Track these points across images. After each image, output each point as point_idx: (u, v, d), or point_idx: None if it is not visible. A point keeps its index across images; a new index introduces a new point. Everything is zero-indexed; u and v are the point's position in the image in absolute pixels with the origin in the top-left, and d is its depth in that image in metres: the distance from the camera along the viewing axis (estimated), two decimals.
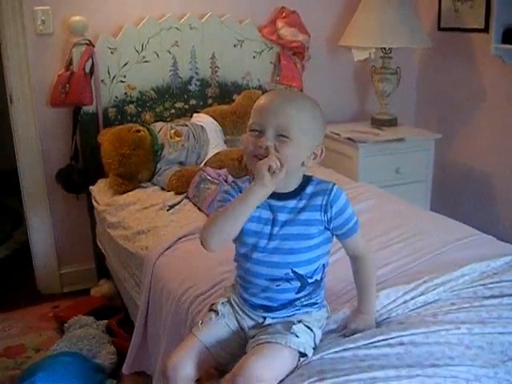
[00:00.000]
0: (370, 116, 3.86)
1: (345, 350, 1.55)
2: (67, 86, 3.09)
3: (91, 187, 3.18)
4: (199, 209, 2.69)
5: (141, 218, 2.68)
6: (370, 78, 3.80)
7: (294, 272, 1.56)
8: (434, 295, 1.82)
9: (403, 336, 1.59)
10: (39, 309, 3.28)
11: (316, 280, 1.60)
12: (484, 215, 3.69)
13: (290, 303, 1.59)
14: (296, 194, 1.57)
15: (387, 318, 1.73)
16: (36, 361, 2.63)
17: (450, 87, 3.91)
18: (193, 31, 3.33)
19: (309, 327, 1.57)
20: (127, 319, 2.85)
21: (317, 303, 1.64)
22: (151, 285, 2.28)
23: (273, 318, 1.60)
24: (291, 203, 1.56)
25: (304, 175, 1.60)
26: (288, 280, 1.57)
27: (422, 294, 1.82)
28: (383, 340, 1.58)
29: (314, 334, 1.57)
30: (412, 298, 1.80)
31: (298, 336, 1.52)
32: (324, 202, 1.54)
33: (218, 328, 1.62)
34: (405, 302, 1.78)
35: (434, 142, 3.62)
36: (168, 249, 2.34)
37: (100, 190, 3.10)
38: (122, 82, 3.24)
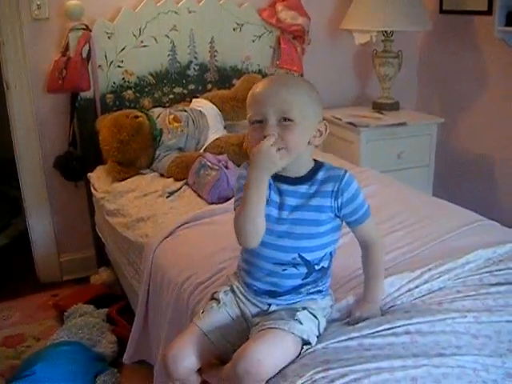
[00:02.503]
0: (371, 100, 3.83)
1: (349, 339, 1.54)
2: (64, 71, 3.05)
3: (90, 174, 3.15)
4: (199, 195, 2.67)
5: (140, 206, 2.65)
6: (371, 62, 3.75)
7: (301, 257, 1.55)
8: (438, 283, 1.80)
9: (409, 325, 1.57)
10: (39, 297, 3.26)
11: (323, 267, 1.59)
12: (487, 200, 3.66)
13: (295, 289, 1.58)
14: (307, 179, 1.56)
15: (392, 307, 1.70)
16: (36, 350, 2.63)
17: (452, 71, 3.87)
18: (191, 15, 3.28)
19: (314, 314, 1.55)
20: (127, 307, 2.83)
21: (322, 291, 1.63)
22: (151, 273, 2.26)
23: (277, 304, 1.59)
24: (302, 188, 1.55)
25: (315, 161, 1.59)
26: (295, 265, 1.56)
27: (426, 281, 1.79)
28: (388, 329, 1.56)
29: (319, 322, 1.56)
30: (416, 286, 1.78)
31: (301, 323, 1.50)
32: (335, 189, 1.53)
33: (219, 317, 1.61)
34: (409, 290, 1.76)
35: (437, 127, 3.59)
36: (168, 236, 2.31)
37: (99, 177, 3.08)
38: (119, 67, 3.20)
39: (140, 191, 2.78)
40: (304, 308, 1.56)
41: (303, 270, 1.56)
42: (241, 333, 1.60)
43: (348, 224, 1.61)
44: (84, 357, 2.47)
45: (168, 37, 3.26)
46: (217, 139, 3.02)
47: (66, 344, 2.55)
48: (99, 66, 3.15)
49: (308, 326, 1.52)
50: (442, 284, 1.80)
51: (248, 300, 1.62)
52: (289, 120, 1.46)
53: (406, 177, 3.33)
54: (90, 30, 3.07)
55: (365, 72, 3.96)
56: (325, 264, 1.60)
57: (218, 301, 1.63)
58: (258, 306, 1.61)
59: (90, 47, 3.07)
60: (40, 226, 3.38)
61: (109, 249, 3.03)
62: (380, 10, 3.40)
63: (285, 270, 1.56)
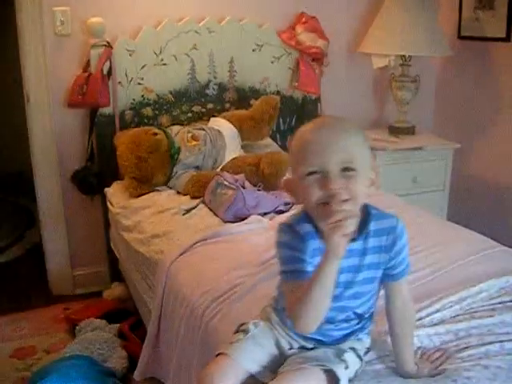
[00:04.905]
0: (387, 123, 3.83)
1: None
2: (84, 87, 3.08)
3: (106, 189, 3.17)
4: (215, 214, 2.67)
5: (156, 222, 2.66)
6: (388, 86, 3.77)
7: (354, 313, 1.47)
8: (450, 312, 1.78)
9: None
10: (51, 310, 3.26)
11: (371, 312, 1.52)
12: (502, 226, 3.63)
13: (345, 337, 1.49)
14: (360, 233, 1.39)
15: None
16: (47, 363, 2.62)
17: (469, 96, 3.87)
18: (211, 35, 3.32)
19: (359, 356, 1.48)
20: (139, 323, 2.83)
21: (368, 328, 1.56)
22: (165, 289, 2.26)
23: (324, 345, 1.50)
24: (357, 245, 1.39)
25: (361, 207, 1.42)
26: (348, 321, 1.47)
27: (437, 311, 1.78)
28: None
29: (361, 364, 1.49)
30: (427, 315, 1.75)
31: (348, 366, 1.41)
32: (389, 242, 1.41)
33: (250, 346, 1.47)
34: (420, 319, 1.74)
35: (453, 152, 3.58)
36: (183, 253, 2.32)
37: (115, 193, 3.09)
38: (139, 84, 3.23)
39: (156, 208, 2.79)
40: (351, 348, 1.47)
41: (355, 322, 1.48)
42: (274, 360, 1.49)
43: (386, 279, 1.48)
44: (95, 371, 2.46)
45: (188, 56, 3.29)
46: (234, 159, 3.03)
47: (76, 358, 2.55)
48: (119, 82, 3.18)
49: (352, 371, 1.44)
50: (453, 313, 1.78)
51: (290, 337, 1.50)
52: (352, 169, 1.28)
53: (421, 201, 3.32)
54: (112, 47, 3.11)
55: (382, 95, 3.97)
56: (373, 309, 1.52)
57: (245, 332, 1.50)
58: (300, 343, 1.50)
59: (110, 64, 3.11)
60: (54, 238, 3.39)
61: (122, 264, 3.04)
62: (398, 35, 3.42)
63: (337, 325, 1.46)
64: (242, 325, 1.54)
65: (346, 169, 1.28)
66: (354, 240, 1.35)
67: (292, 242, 1.38)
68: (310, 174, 1.30)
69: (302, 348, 1.50)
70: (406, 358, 1.51)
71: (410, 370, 1.51)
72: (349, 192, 1.27)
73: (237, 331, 1.53)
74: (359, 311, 1.46)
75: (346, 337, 1.49)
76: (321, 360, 1.41)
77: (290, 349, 1.50)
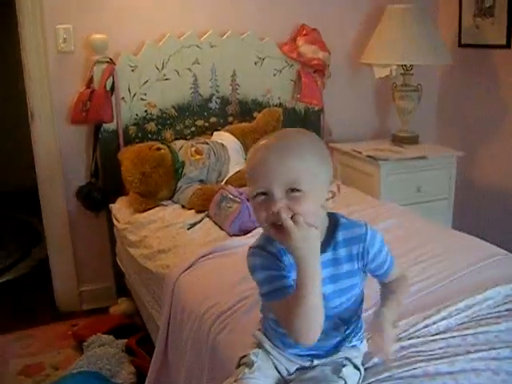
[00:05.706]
0: (390, 133, 3.84)
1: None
2: (88, 103, 3.10)
3: (111, 205, 3.18)
4: (220, 227, 2.67)
5: (161, 237, 2.67)
6: (390, 95, 3.78)
7: (340, 319, 1.45)
8: (456, 320, 1.78)
9: (427, 366, 1.54)
10: (58, 327, 3.27)
11: (359, 316, 1.51)
12: (507, 233, 3.63)
13: (338, 345, 1.48)
14: (328, 244, 1.40)
15: (409, 347, 1.66)
16: (55, 380, 2.63)
17: (471, 104, 3.88)
18: (213, 49, 3.34)
19: (356, 366, 1.47)
20: (147, 338, 2.82)
21: (360, 334, 1.54)
22: (172, 304, 2.26)
23: (321, 359, 1.48)
24: (326, 256, 1.38)
25: (328, 216, 1.42)
26: (336, 328, 1.45)
27: (444, 318, 1.77)
28: (407, 370, 1.53)
29: (360, 374, 1.48)
30: (434, 323, 1.75)
31: (346, 382, 1.41)
32: (360, 250, 1.41)
33: (257, 381, 1.42)
34: (426, 326, 1.74)
35: (456, 160, 3.59)
36: (189, 267, 2.32)
37: (120, 208, 3.10)
38: (142, 99, 3.24)
39: (161, 223, 2.80)
40: (347, 359, 1.46)
41: (344, 328, 1.47)
42: None
43: (374, 276, 1.52)
44: None
45: (190, 70, 3.31)
46: (238, 172, 3.04)
47: (84, 374, 2.56)
48: (122, 98, 3.19)
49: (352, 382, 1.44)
50: (459, 321, 1.77)
51: (287, 359, 1.48)
52: (297, 190, 1.27)
53: (426, 210, 3.33)
54: (114, 63, 3.13)
55: (384, 105, 3.98)
56: (359, 311, 1.51)
57: (249, 366, 1.45)
58: (297, 364, 1.49)
59: (113, 80, 3.12)
60: (60, 255, 3.40)
61: (129, 279, 3.04)
62: (399, 44, 3.44)
63: (327, 334, 1.42)
64: (243, 357, 1.50)
65: (292, 189, 1.28)
66: (322, 251, 1.34)
67: (266, 262, 1.37)
68: (258, 194, 1.30)
69: (300, 369, 1.48)
70: (388, 315, 1.50)
71: (387, 325, 1.49)
72: (294, 213, 1.27)
73: (239, 365, 1.49)
74: (345, 316, 1.45)
75: (338, 345, 1.48)
76: (320, 381, 1.40)
77: (289, 374, 1.48)
